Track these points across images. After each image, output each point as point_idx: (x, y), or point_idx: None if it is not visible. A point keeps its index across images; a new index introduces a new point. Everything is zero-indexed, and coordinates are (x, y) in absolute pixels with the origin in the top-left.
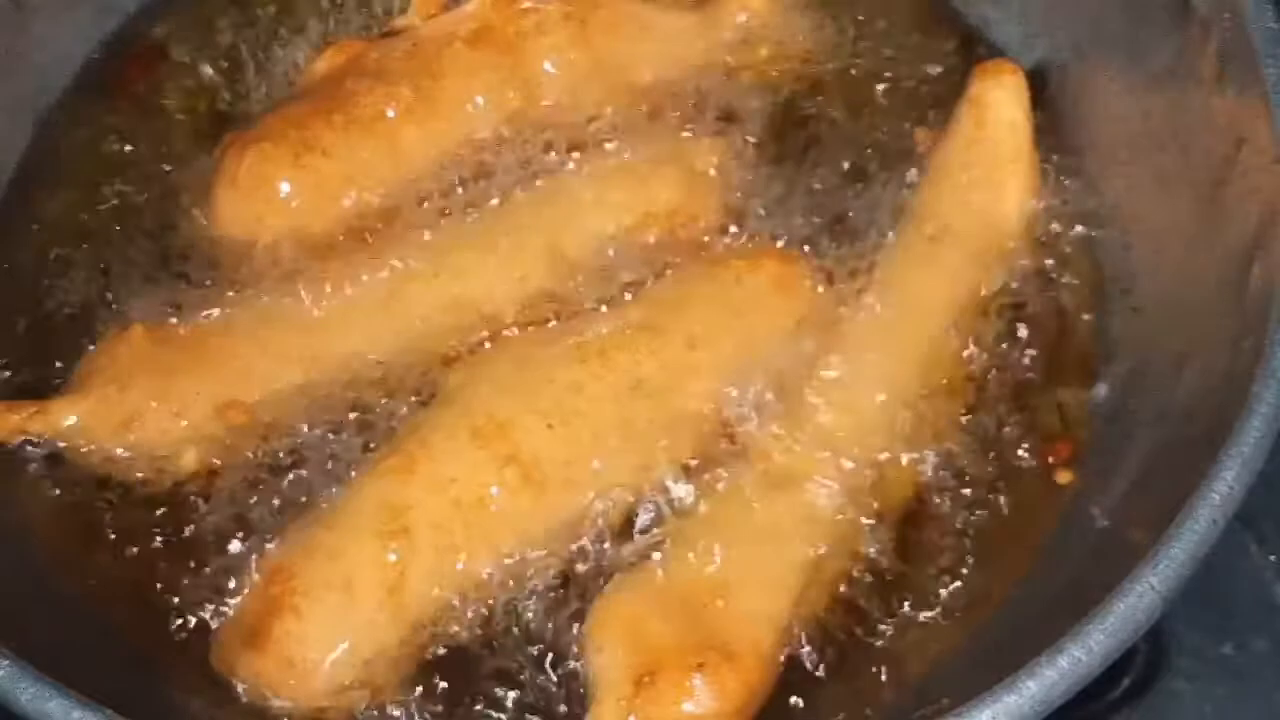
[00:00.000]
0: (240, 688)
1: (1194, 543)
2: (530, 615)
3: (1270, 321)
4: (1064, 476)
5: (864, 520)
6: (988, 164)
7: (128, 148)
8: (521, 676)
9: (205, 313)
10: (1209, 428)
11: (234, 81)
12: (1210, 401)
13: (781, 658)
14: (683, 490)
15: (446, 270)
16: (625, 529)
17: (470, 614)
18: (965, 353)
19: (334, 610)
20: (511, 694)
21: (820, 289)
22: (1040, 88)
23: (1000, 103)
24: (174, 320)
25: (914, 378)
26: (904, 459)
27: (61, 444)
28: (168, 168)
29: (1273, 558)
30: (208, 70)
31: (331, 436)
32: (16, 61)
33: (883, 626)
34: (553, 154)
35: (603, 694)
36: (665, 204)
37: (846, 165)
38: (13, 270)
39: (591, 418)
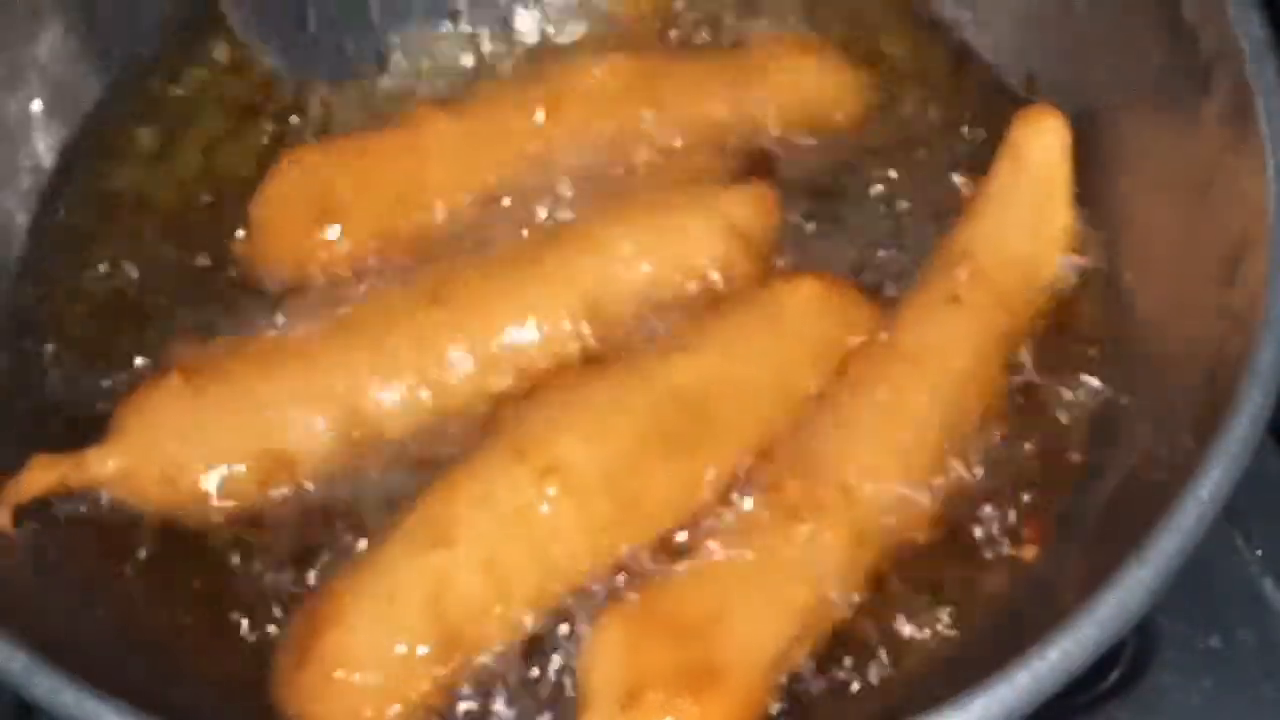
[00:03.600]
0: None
1: (1182, 538)
2: (578, 630)
3: (1256, 323)
4: (1055, 474)
5: (870, 558)
6: (1023, 209)
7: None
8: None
9: (245, 350)
10: (1197, 426)
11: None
12: (1199, 400)
13: (772, 688)
14: (728, 512)
15: (481, 322)
16: (669, 545)
17: (515, 626)
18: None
19: (379, 623)
20: (552, 706)
21: (860, 310)
22: (1031, 96)
23: (1038, 148)
24: (211, 356)
25: (936, 418)
26: (918, 494)
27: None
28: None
29: (1259, 552)
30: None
31: (371, 483)
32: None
33: (871, 622)
34: (591, 203)
35: (589, 710)
36: (705, 258)
37: (883, 211)
38: (49, 305)
39: (630, 432)
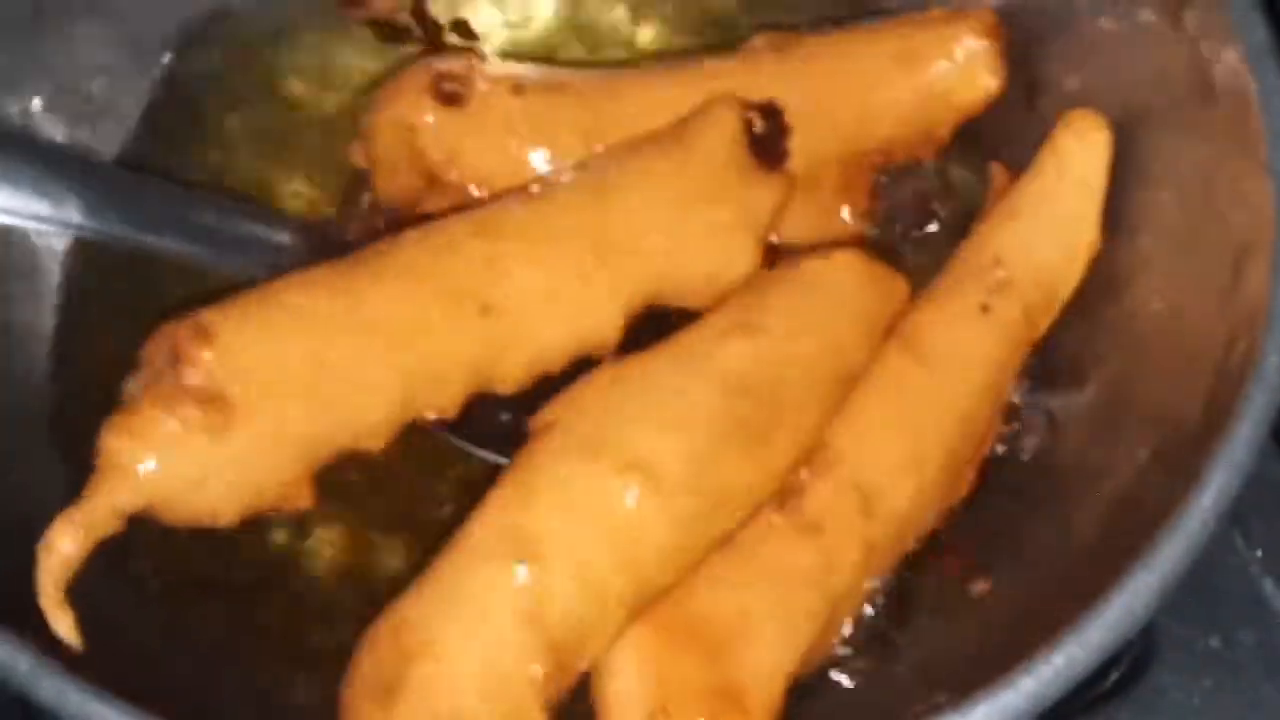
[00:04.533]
0: None
1: (1187, 542)
2: None
3: (1260, 326)
4: (1053, 481)
5: (879, 568)
6: (1057, 219)
7: None
8: None
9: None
10: (1200, 429)
11: None
12: (1201, 403)
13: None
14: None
15: (526, 319)
16: None
17: (613, 635)
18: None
19: (477, 647)
20: None
21: (893, 281)
22: (1031, 100)
23: (1077, 158)
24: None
25: (953, 431)
26: (927, 505)
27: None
28: None
29: (1259, 553)
30: None
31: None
32: None
33: (872, 627)
34: None
35: None
36: (739, 273)
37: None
38: None
39: (704, 420)
